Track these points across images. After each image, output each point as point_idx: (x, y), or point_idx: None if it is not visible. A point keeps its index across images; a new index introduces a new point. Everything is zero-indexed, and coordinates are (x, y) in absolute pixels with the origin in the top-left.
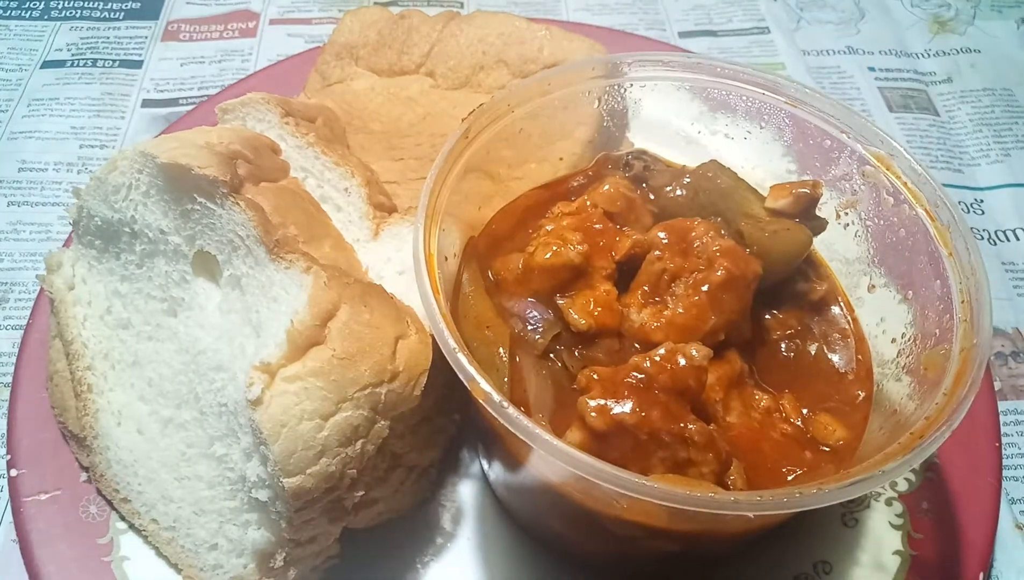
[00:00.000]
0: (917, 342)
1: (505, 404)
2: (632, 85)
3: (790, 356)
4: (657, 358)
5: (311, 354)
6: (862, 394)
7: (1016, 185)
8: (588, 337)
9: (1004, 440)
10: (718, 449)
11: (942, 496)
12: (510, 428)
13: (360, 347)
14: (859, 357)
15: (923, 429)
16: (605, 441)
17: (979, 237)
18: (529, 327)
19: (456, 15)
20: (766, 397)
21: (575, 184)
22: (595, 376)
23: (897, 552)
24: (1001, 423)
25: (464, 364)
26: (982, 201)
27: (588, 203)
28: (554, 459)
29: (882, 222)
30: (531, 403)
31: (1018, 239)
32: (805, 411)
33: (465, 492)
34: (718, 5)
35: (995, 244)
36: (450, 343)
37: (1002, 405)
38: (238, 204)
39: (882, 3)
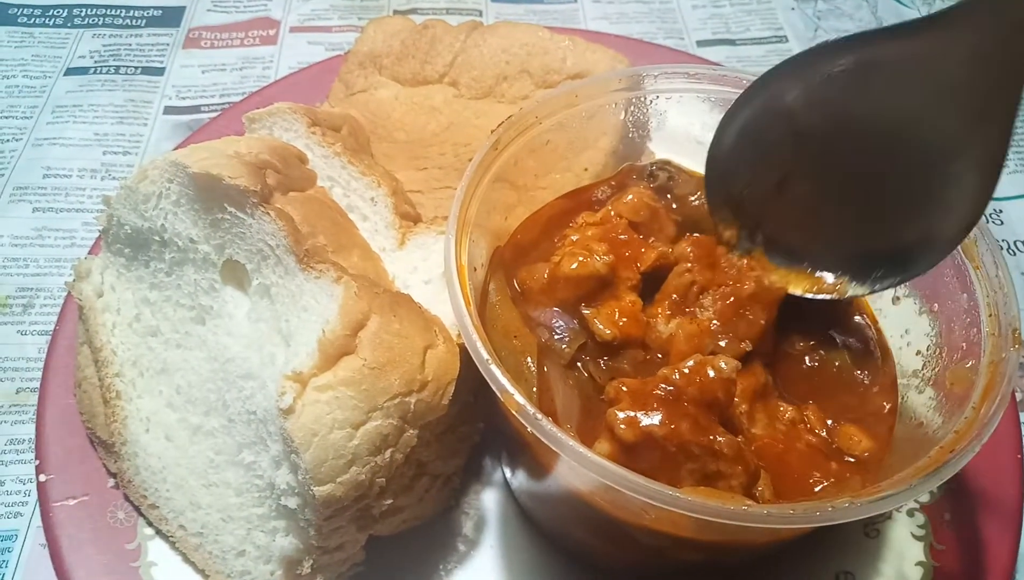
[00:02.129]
0: (943, 355)
1: (539, 416)
2: (657, 97)
3: (814, 367)
4: (686, 370)
5: (342, 363)
6: (887, 405)
7: None
8: (613, 347)
9: None
10: (747, 461)
11: (964, 507)
12: (544, 440)
13: (390, 357)
14: (883, 369)
15: (953, 442)
16: (634, 453)
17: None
18: (555, 336)
19: (479, 25)
20: (791, 409)
21: (599, 194)
22: (624, 388)
23: (920, 563)
24: (1023, 434)
25: (497, 376)
26: (1001, 212)
27: (612, 213)
28: (587, 471)
29: None
30: (558, 413)
31: None
32: (830, 422)
33: (488, 500)
34: (736, 14)
35: (1015, 254)
36: (483, 355)
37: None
38: (268, 214)
39: (899, 14)
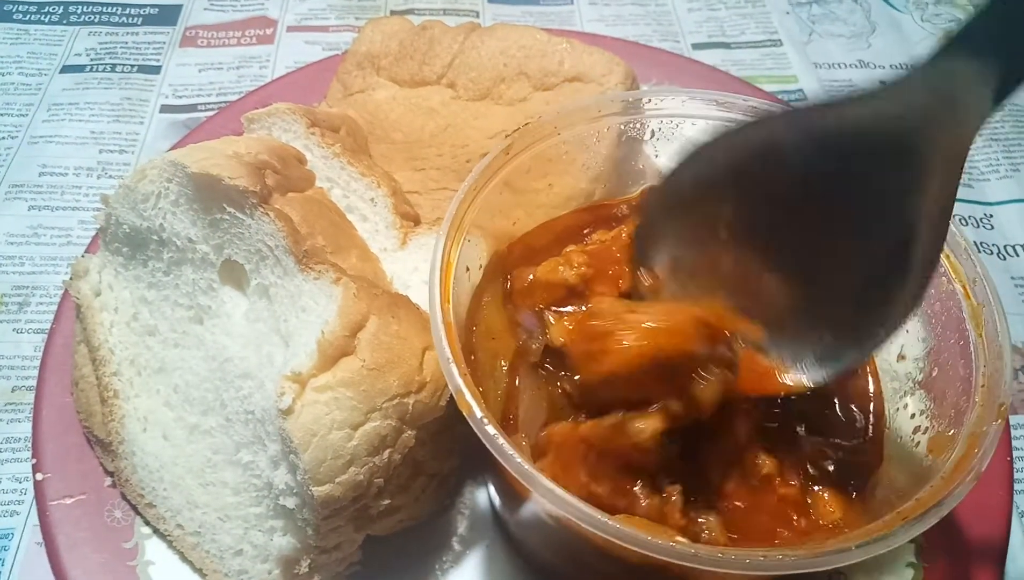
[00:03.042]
0: (932, 420)
1: (485, 420)
2: (684, 121)
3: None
4: (605, 426)
5: (341, 364)
6: (870, 466)
7: None
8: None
9: (1014, 454)
10: (664, 532)
11: (954, 509)
12: (484, 442)
13: (389, 358)
14: (872, 431)
15: (912, 509)
16: None
17: (988, 252)
18: (528, 337)
19: (477, 27)
20: (768, 462)
21: (617, 212)
22: (552, 439)
23: (910, 564)
24: (1012, 437)
25: (454, 374)
26: (991, 216)
27: (624, 234)
28: (522, 479)
29: None
30: (520, 420)
31: None
32: (807, 484)
33: (483, 499)
34: (731, 17)
35: (1004, 258)
36: (446, 352)
37: (1013, 419)
38: (267, 214)
39: (893, 18)
